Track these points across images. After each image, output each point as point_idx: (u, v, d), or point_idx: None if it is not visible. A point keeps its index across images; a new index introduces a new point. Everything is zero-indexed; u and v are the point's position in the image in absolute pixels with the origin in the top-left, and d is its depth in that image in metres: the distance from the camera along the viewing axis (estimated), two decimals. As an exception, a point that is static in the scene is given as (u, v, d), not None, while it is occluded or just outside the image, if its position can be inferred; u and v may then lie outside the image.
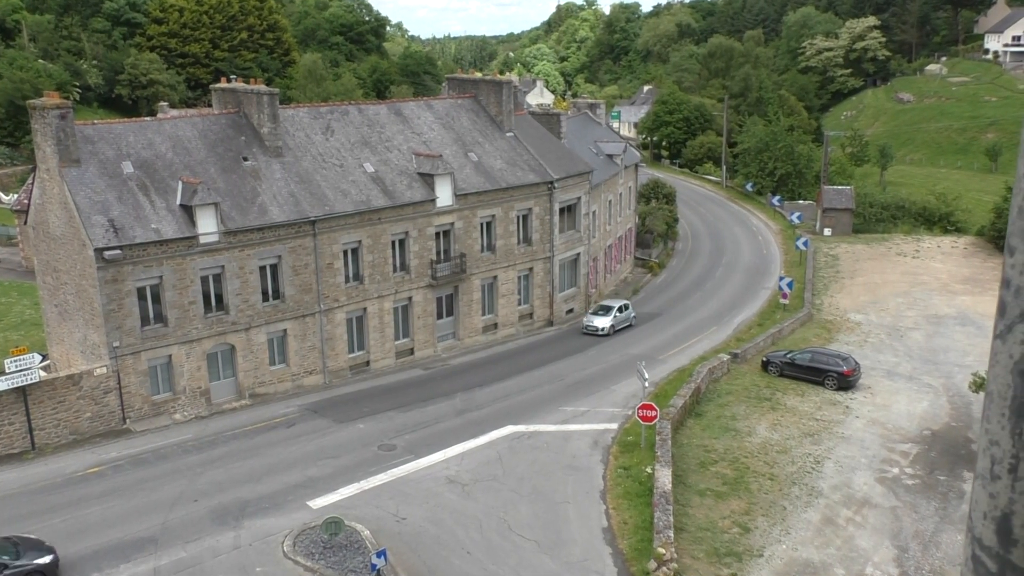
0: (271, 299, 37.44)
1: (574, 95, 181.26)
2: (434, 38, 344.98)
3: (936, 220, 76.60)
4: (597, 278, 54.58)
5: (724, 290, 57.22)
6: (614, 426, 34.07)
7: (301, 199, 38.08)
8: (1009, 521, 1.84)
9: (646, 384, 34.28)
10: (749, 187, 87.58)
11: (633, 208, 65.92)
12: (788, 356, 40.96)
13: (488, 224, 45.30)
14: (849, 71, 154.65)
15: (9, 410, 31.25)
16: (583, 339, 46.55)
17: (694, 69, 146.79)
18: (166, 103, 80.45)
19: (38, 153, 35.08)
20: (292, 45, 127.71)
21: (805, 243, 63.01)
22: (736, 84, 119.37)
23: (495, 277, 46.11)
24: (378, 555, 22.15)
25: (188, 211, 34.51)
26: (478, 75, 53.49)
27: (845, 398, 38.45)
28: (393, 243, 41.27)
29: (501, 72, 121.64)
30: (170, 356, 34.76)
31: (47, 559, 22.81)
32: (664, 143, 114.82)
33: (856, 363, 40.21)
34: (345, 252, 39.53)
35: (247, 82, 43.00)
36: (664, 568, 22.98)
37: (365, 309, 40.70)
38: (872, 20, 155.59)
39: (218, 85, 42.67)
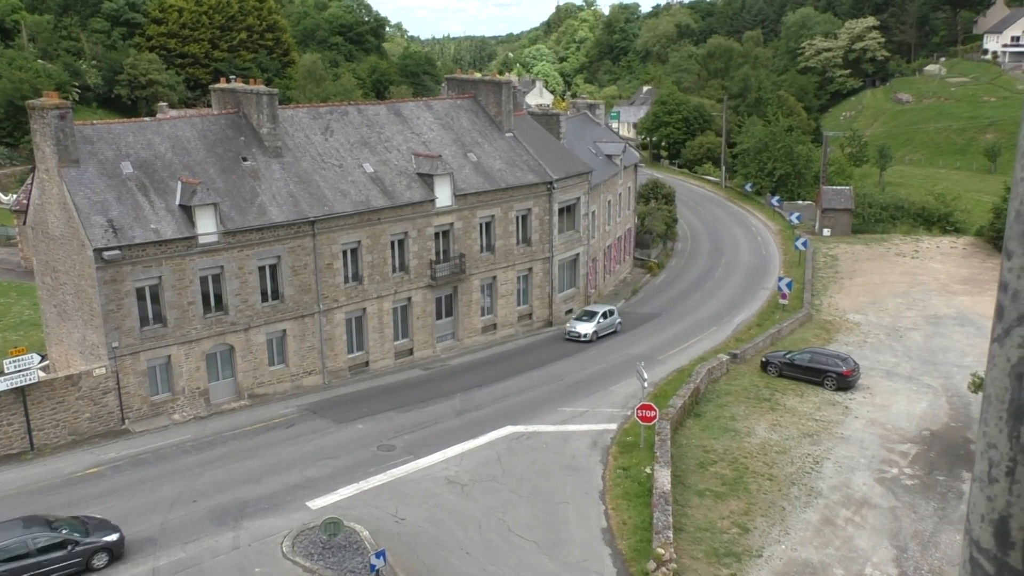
0: (270, 299, 37.44)
1: (573, 95, 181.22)
2: (433, 38, 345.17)
3: (935, 220, 76.64)
4: (596, 278, 54.58)
5: (723, 290, 57.24)
6: (613, 426, 34.07)
7: (300, 199, 38.09)
8: (1007, 524, 1.84)
9: (645, 384, 34.29)
10: (748, 187, 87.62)
11: (632, 208, 65.94)
12: (787, 356, 40.97)
13: (487, 224, 45.31)
14: (848, 71, 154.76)
15: (8, 411, 31.24)
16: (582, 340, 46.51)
17: (693, 69, 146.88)
18: (165, 103, 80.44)
19: (37, 153, 35.07)
20: (291, 45, 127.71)
21: (804, 243, 63.06)
22: (735, 84, 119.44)
23: (494, 277, 46.12)
24: (377, 555, 22.15)
25: (187, 211, 34.51)
26: (477, 75, 53.50)
27: (844, 398, 38.47)
28: (392, 243, 41.27)
29: (500, 72, 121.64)
30: (169, 356, 34.75)
31: (114, 537, 24.11)
32: (663, 143, 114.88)
33: (855, 363, 40.22)
34: (344, 252, 39.53)
35: (246, 82, 43.01)
36: (663, 568, 22.99)
37: (364, 309, 40.70)
38: (871, 20, 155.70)
39: (217, 85, 42.67)
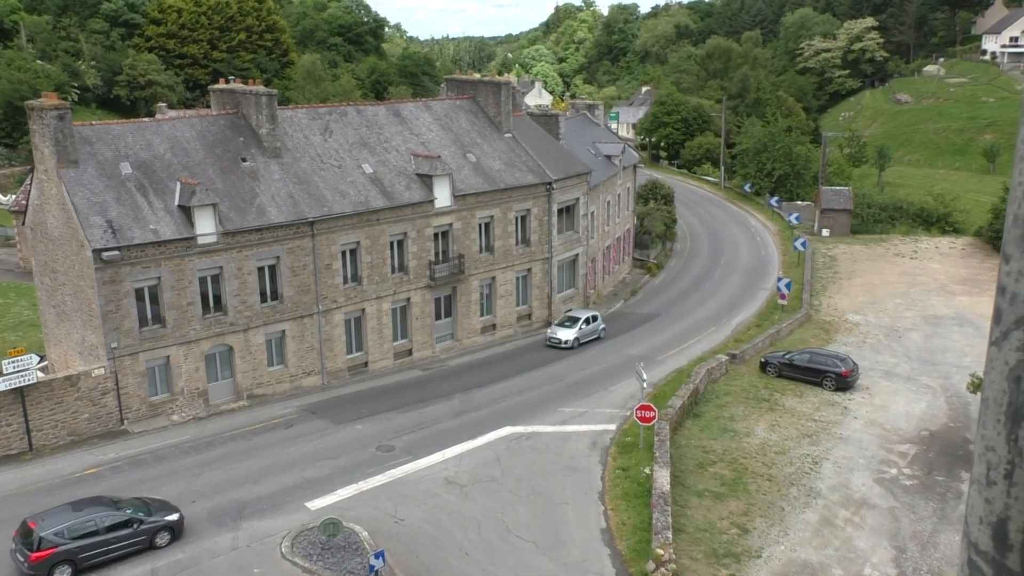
0: (269, 300, 37.44)
1: (572, 96, 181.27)
2: (432, 39, 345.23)
3: (934, 221, 76.69)
4: (595, 279, 54.60)
5: (722, 291, 57.26)
6: (612, 427, 34.08)
7: (299, 200, 38.08)
8: (1005, 526, 1.85)
9: (644, 385, 34.30)
10: (747, 188, 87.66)
11: (631, 209, 65.96)
12: (786, 357, 40.99)
13: (486, 225, 45.31)
14: (847, 72, 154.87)
15: (7, 411, 31.23)
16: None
17: (692, 70, 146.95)
18: (164, 104, 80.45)
19: (36, 154, 35.07)
20: (290, 46, 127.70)
21: (803, 244, 63.10)
22: (734, 85, 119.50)
23: (493, 278, 46.12)
24: (376, 556, 22.15)
25: (186, 212, 34.50)
26: (476, 76, 53.50)
27: (843, 399, 38.48)
28: (391, 244, 41.27)
29: (499, 73, 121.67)
30: (168, 357, 34.74)
31: (174, 516, 25.31)
32: (662, 144, 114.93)
33: (854, 364, 40.24)
34: (343, 253, 39.52)
35: (245, 83, 43.02)
36: (663, 569, 23.00)
37: (363, 310, 40.70)
38: (870, 21, 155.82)
39: (216, 86, 42.66)
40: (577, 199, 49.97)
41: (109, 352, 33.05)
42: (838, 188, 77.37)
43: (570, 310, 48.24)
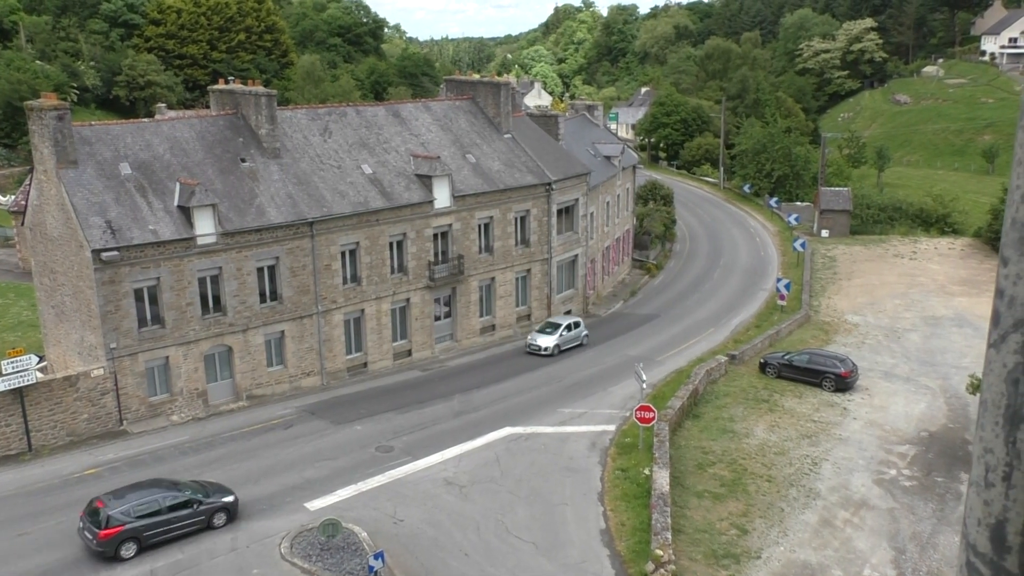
0: (269, 300, 37.43)
1: (572, 97, 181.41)
2: (432, 40, 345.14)
3: (933, 221, 76.72)
4: (595, 279, 54.60)
5: (722, 292, 57.27)
6: (612, 428, 34.08)
7: (299, 200, 38.09)
8: (1003, 528, 1.85)
9: (644, 386, 34.29)
10: (747, 189, 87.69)
11: (631, 209, 65.98)
12: (786, 358, 41.00)
13: (486, 225, 45.32)
14: (846, 73, 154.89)
15: (6, 412, 31.21)
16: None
17: (691, 71, 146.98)
18: (164, 104, 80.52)
19: (35, 154, 35.06)
20: (290, 46, 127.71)
21: (802, 244, 63.13)
22: (733, 86, 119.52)
23: (493, 278, 46.13)
24: (375, 557, 22.15)
25: (186, 212, 34.50)
26: (476, 77, 53.51)
27: (843, 400, 38.49)
28: (391, 244, 41.28)
29: (499, 74, 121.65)
30: (167, 357, 34.73)
31: (230, 498, 26.42)
32: (662, 145, 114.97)
33: (854, 364, 40.25)
34: (343, 253, 39.52)
35: (245, 83, 43.01)
36: (662, 570, 23.00)
37: (363, 310, 40.70)
38: (869, 22, 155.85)
39: (216, 86, 42.66)
40: (576, 200, 49.98)
41: (108, 352, 33.04)
42: (837, 189, 77.40)
43: (552, 317, 47.26)
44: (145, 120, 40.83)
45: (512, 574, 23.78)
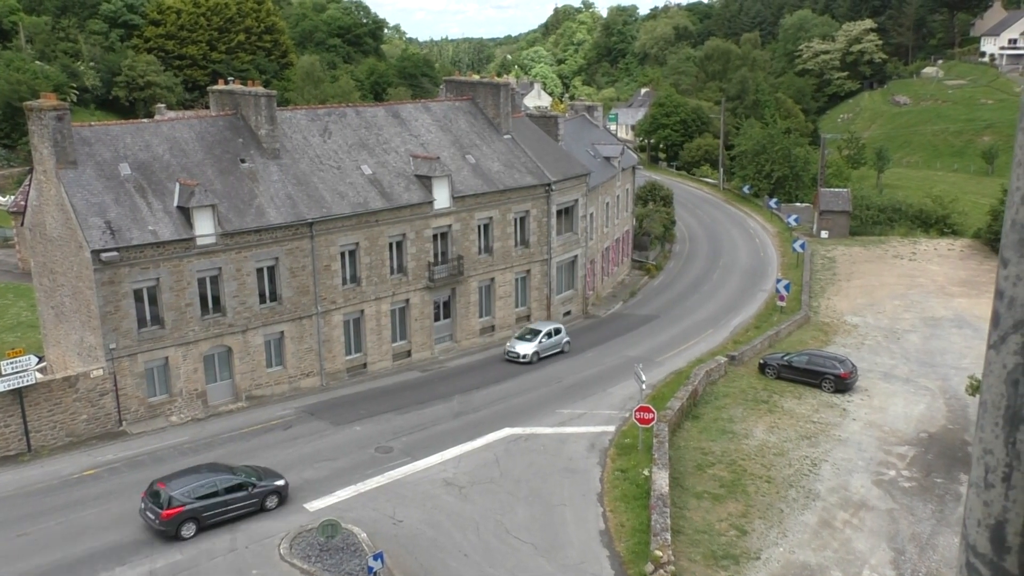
0: (268, 301, 37.43)
1: (571, 97, 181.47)
2: (432, 40, 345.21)
3: (933, 222, 76.76)
4: (594, 280, 54.62)
5: (721, 292, 57.29)
6: (611, 428, 34.08)
7: (298, 201, 38.09)
8: (1003, 529, 1.85)
9: (643, 386, 34.30)
10: (746, 189, 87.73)
11: (630, 210, 65.99)
12: (785, 358, 41.00)
13: (485, 226, 45.32)
14: (846, 74, 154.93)
15: (5, 412, 31.20)
16: (581, 339, 46.48)
17: (691, 72, 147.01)
18: (163, 105, 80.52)
19: (35, 155, 35.05)
20: (290, 47, 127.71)
21: (802, 245, 63.14)
22: (733, 87, 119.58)
23: (492, 279, 46.13)
24: (375, 558, 22.15)
25: (185, 213, 34.50)
26: (476, 77, 53.51)
27: (842, 400, 38.50)
28: (390, 245, 41.28)
29: (499, 74, 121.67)
30: (167, 358, 34.72)
31: (282, 482, 27.64)
32: (661, 145, 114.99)
33: (853, 365, 40.26)
34: (342, 254, 39.52)
35: (244, 84, 43.01)
36: (661, 571, 23.00)
37: (362, 311, 40.70)
38: (868, 23, 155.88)
39: (215, 87, 42.65)
40: (576, 200, 49.99)
41: (108, 353, 33.03)
42: (837, 190, 77.43)
43: (533, 324, 45.93)
44: (145, 121, 40.83)
45: (511, 575, 23.77)
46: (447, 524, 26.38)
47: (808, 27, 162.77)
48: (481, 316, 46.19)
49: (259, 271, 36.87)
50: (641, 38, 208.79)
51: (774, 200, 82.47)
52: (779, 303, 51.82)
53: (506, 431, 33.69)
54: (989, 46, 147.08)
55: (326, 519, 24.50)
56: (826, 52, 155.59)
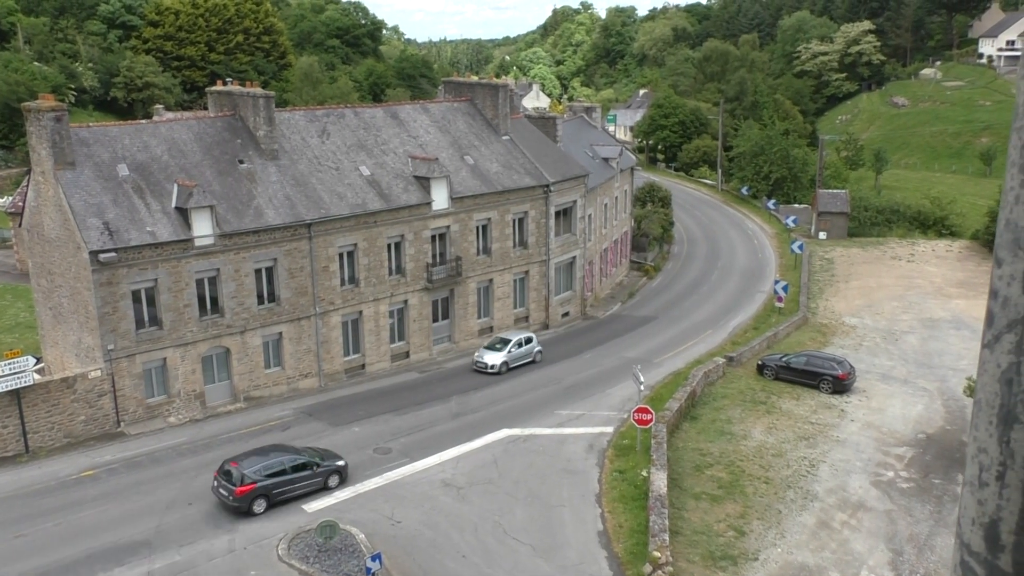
0: (266, 302, 37.41)
1: (570, 98, 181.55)
2: (430, 41, 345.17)
3: (931, 224, 76.82)
4: (593, 281, 54.63)
5: (719, 294, 57.31)
6: (609, 429, 34.09)
7: (297, 202, 38.08)
8: (997, 527, 1.86)
9: (641, 387, 34.32)
10: (744, 191, 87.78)
11: (629, 211, 66.03)
12: (783, 360, 41.02)
13: (484, 227, 45.33)
14: (844, 75, 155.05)
15: (3, 413, 31.18)
16: (580, 340, 46.53)
17: (690, 73, 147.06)
18: (162, 106, 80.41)
19: (33, 156, 35.03)
20: (288, 48, 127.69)
21: (800, 247, 63.17)
22: (731, 88, 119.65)
23: (491, 280, 46.14)
24: (373, 559, 22.15)
25: (183, 214, 34.48)
26: (474, 78, 53.53)
27: (840, 401, 38.52)
28: (389, 246, 41.28)
29: (497, 76, 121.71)
30: (165, 359, 34.70)
31: (342, 462, 29.08)
32: (660, 147, 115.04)
33: (851, 366, 40.28)
34: (341, 255, 39.51)
35: (243, 85, 43.00)
36: (659, 572, 23.00)
37: (361, 312, 40.69)
38: (867, 24, 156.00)
39: (214, 88, 42.64)
40: (574, 201, 50.01)
41: (106, 354, 33.01)
42: (835, 191, 77.49)
43: (503, 333, 44.87)
44: (143, 121, 40.81)
45: (510, 576, 23.77)
46: (445, 525, 26.38)
47: (806, 28, 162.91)
48: (480, 317, 46.19)
49: (257, 272, 36.86)
50: (639, 39, 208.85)
51: (772, 201, 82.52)
52: (777, 304, 51.85)
53: (504, 432, 33.69)
54: (987, 47, 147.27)
55: (324, 520, 24.50)
56: (824, 53, 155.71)
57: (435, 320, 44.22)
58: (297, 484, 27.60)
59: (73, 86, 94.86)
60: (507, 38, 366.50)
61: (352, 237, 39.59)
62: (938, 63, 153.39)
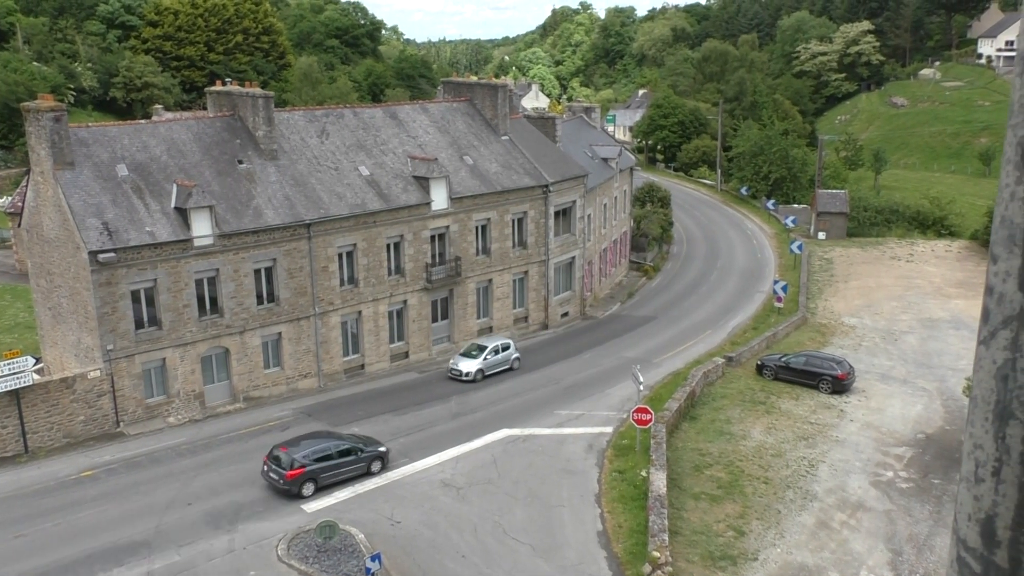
0: (266, 302, 37.41)
1: (569, 99, 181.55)
2: (430, 41, 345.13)
3: (930, 224, 76.81)
4: (592, 281, 54.63)
5: (719, 294, 57.31)
6: (609, 430, 34.09)
7: (296, 202, 38.07)
8: (993, 523, 1.87)
9: (641, 388, 34.31)
10: (744, 191, 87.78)
11: (628, 212, 66.02)
12: (783, 360, 41.02)
13: (483, 227, 45.33)
14: (843, 75, 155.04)
15: (2, 413, 31.17)
16: (579, 340, 46.53)
17: (689, 73, 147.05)
18: (161, 106, 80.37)
19: (32, 156, 35.02)
20: (287, 48, 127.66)
21: (799, 247, 63.16)
22: (731, 88, 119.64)
23: (490, 280, 46.13)
24: (372, 559, 22.14)
25: (183, 214, 34.48)
26: (473, 79, 53.52)
27: (839, 402, 38.52)
28: (388, 246, 41.27)
29: (496, 76, 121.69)
30: (164, 359, 34.69)
31: (384, 448, 30.23)
32: (659, 147, 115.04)
33: (850, 367, 40.28)
34: (340, 255, 39.50)
35: (242, 85, 42.98)
36: (659, 572, 23.01)
37: (360, 312, 40.68)
38: (866, 24, 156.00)
39: (213, 88, 42.63)
40: (574, 202, 50.01)
41: (105, 354, 33.00)
42: (834, 191, 77.49)
43: (479, 339, 43.56)
44: (142, 122, 40.80)
45: (509, 576, 23.76)
46: (445, 525, 26.38)
47: (806, 29, 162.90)
48: (479, 317, 46.19)
49: (257, 272, 36.86)
50: (639, 39, 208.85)
51: (771, 201, 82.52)
52: (776, 304, 51.85)
53: (504, 432, 33.69)
54: (986, 48, 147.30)
55: (324, 520, 24.49)
56: (824, 54, 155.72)
57: (434, 320, 44.22)
58: (343, 469, 28.65)
59: (72, 86, 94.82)
60: (506, 38, 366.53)
61: (351, 237, 39.59)
62: (937, 63, 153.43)
